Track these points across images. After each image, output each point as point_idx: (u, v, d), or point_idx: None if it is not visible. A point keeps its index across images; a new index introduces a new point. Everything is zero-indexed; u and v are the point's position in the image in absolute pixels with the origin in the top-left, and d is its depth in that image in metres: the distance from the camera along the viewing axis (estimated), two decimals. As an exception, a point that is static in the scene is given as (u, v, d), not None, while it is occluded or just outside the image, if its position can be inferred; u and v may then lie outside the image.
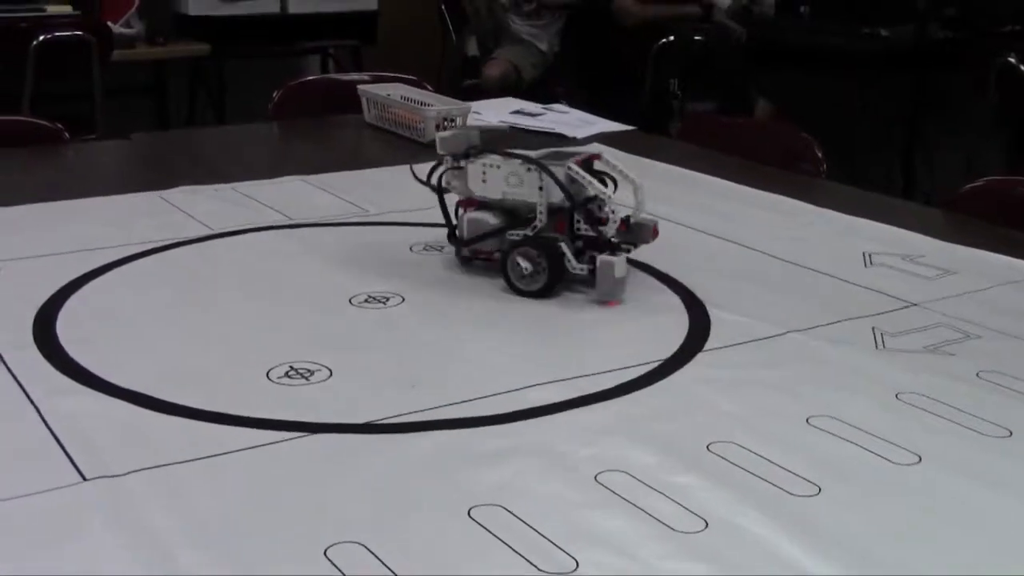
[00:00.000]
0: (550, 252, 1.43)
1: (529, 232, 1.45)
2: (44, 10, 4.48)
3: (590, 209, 1.47)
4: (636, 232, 1.49)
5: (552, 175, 1.43)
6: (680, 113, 4.46)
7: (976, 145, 4.11)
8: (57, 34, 4.15)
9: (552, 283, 1.43)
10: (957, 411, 1.17)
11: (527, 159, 1.47)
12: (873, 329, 1.39)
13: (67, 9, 4.53)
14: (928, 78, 4.54)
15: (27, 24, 4.20)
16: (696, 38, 4.53)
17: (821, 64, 4.67)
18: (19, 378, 1.18)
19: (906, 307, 1.48)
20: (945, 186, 2.12)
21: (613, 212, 1.44)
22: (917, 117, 4.44)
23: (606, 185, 1.49)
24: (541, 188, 1.44)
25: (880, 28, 4.54)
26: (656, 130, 4.32)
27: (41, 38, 4.10)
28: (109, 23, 4.48)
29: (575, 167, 1.45)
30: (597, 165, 1.52)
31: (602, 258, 1.42)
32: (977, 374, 1.27)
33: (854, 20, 4.68)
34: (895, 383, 1.23)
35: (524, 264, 1.43)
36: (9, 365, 1.21)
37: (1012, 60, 3.84)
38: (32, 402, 1.13)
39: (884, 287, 1.54)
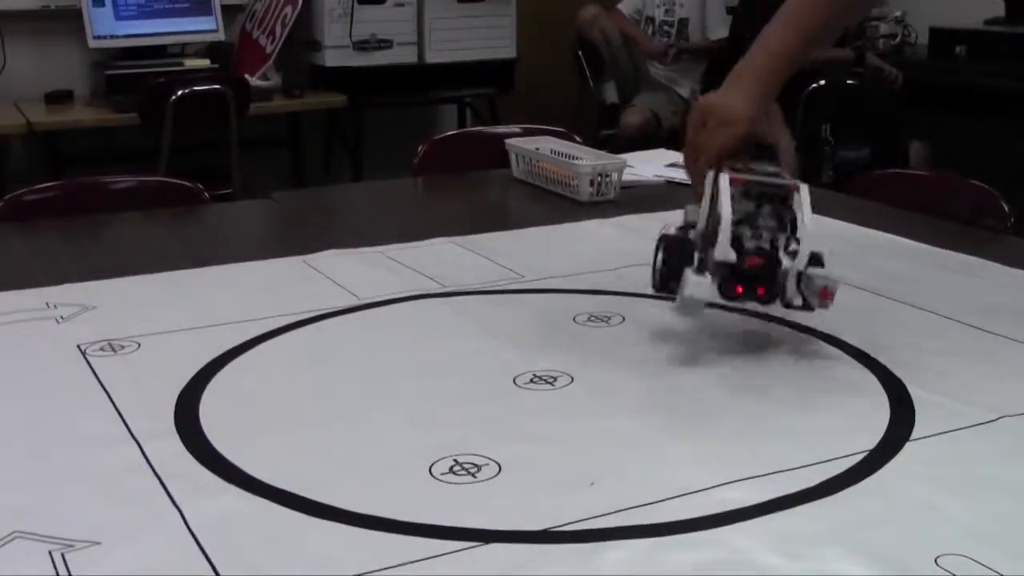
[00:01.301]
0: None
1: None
2: (182, 64, 4.52)
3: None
4: (806, 288, 1.34)
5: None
6: (832, 159, 4.29)
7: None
8: (195, 88, 4.16)
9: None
10: None
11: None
12: (1099, 413, 1.24)
13: (205, 63, 4.57)
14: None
15: (165, 79, 4.22)
16: (849, 82, 4.37)
17: (979, 106, 4.49)
18: (160, 474, 1.09)
19: None
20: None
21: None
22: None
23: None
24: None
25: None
26: (808, 176, 4.18)
27: (179, 93, 4.11)
28: (246, 76, 4.49)
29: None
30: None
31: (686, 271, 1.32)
32: None
33: (1013, 60, 4.49)
34: None
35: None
36: (149, 458, 1.12)
37: None
38: (174, 503, 1.03)
39: (1097, 360, 1.38)
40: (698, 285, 1.33)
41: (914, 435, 1.18)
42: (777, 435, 1.18)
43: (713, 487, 1.05)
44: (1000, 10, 4.86)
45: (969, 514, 1.02)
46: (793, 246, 1.35)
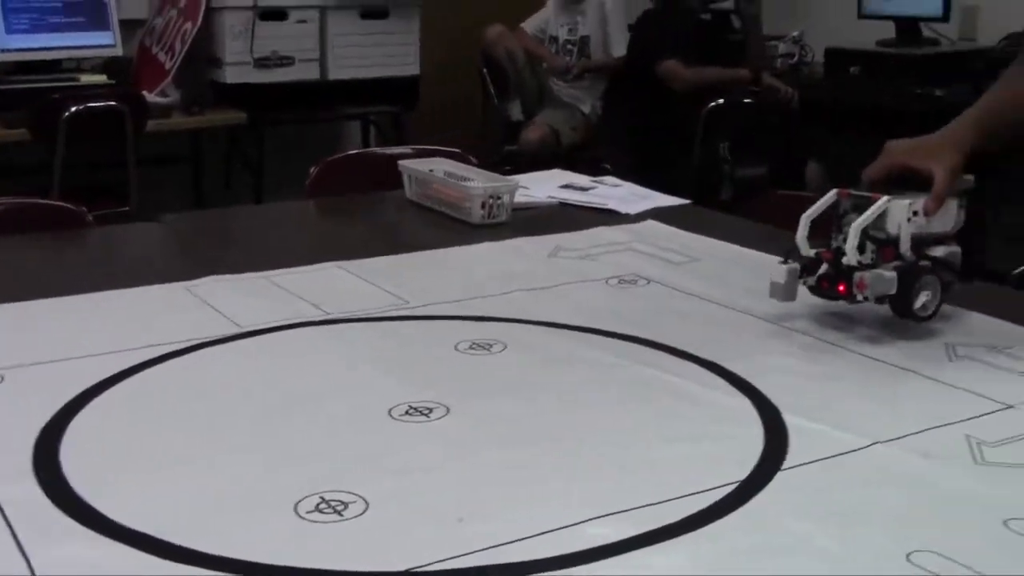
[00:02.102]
0: None
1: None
2: (77, 79, 4.45)
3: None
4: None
5: None
6: (731, 178, 4.34)
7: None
8: (90, 104, 4.10)
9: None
10: (1079, 544, 1.03)
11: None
12: (968, 437, 1.25)
13: (102, 78, 4.51)
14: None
15: (59, 95, 4.15)
16: (746, 101, 4.42)
17: (873, 125, 4.56)
18: (9, 518, 1.04)
19: (1001, 409, 1.33)
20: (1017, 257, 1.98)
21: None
22: (977, 179, 4.30)
23: None
24: None
25: (934, 88, 4.43)
26: (707, 195, 4.23)
27: (73, 109, 4.05)
28: (144, 92, 4.43)
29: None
30: None
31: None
32: (1094, 494, 1.13)
33: (904, 80, 4.58)
34: (1001, 508, 1.09)
35: None
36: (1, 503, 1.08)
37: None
38: (21, 549, 0.99)
39: (973, 385, 1.39)
40: (778, 272, 1.57)
41: (786, 464, 1.18)
42: (649, 467, 1.18)
43: (581, 523, 1.04)
44: (892, 32, 4.95)
45: (838, 545, 1.03)
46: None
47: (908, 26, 4.91)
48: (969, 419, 1.30)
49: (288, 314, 1.63)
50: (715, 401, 1.35)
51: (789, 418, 1.29)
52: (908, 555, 1.00)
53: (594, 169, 4.74)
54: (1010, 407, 1.34)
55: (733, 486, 1.12)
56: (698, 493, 1.10)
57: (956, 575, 0.97)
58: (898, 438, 1.24)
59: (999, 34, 4.57)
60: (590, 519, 1.05)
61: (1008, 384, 1.40)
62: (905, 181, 1.59)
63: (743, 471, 1.16)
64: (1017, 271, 1.96)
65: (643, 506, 1.08)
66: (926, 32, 4.93)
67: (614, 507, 1.07)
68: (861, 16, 5.08)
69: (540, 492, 1.12)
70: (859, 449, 1.21)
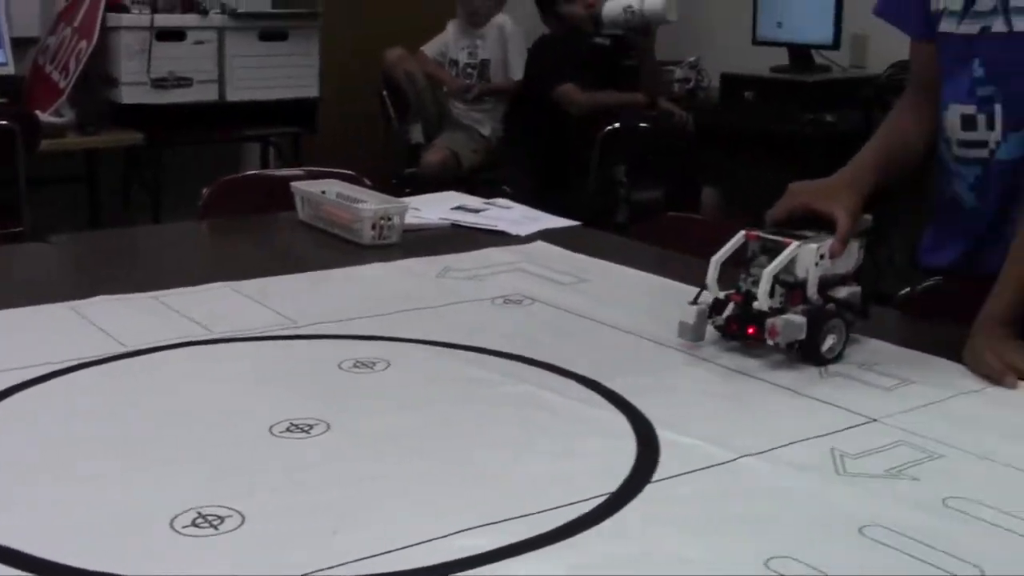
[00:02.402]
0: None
1: None
2: (-34, 99, 4.40)
3: None
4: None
5: None
6: (627, 201, 4.40)
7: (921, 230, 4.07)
8: (-22, 124, 4.05)
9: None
10: (924, 546, 1.08)
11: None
12: (832, 450, 1.30)
13: (-8, 97, 4.45)
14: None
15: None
16: (642, 125, 4.49)
17: (766, 150, 4.66)
18: None
19: (865, 423, 1.39)
20: (896, 280, 2.05)
21: None
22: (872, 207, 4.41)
23: None
24: None
25: (825, 114, 4.55)
26: (603, 218, 4.29)
27: (-39, 128, 4.00)
28: (37, 112, 4.39)
29: None
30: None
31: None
32: (944, 501, 1.18)
33: (796, 106, 4.68)
34: (858, 515, 1.14)
35: None
36: None
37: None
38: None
39: (841, 400, 1.45)
40: (687, 313, 1.60)
41: (656, 477, 1.22)
42: (523, 480, 1.21)
43: (454, 533, 1.07)
44: (786, 58, 5.06)
45: (700, 553, 1.07)
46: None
47: (801, 53, 5.03)
48: (834, 432, 1.35)
49: (174, 334, 1.64)
50: (591, 416, 1.38)
51: (662, 432, 1.33)
52: (766, 561, 1.05)
53: (494, 192, 4.80)
54: (874, 420, 1.39)
55: (603, 498, 1.16)
56: (570, 505, 1.14)
57: (810, 580, 1.02)
58: (766, 451, 1.29)
59: (887, 62, 4.70)
60: (463, 530, 1.08)
61: (874, 399, 1.46)
62: (807, 220, 1.65)
63: (614, 483, 1.19)
64: (903, 292, 2.02)
65: (516, 517, 1.11)
66: (818, 59, 5.05)
67: (487, 519, 1.10)
68: (756, 43, 5.19)
69: (415, 505, 1.15)
70: (728, 462, 1.26)
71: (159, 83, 4.77)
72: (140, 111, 4.77)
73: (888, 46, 4.89)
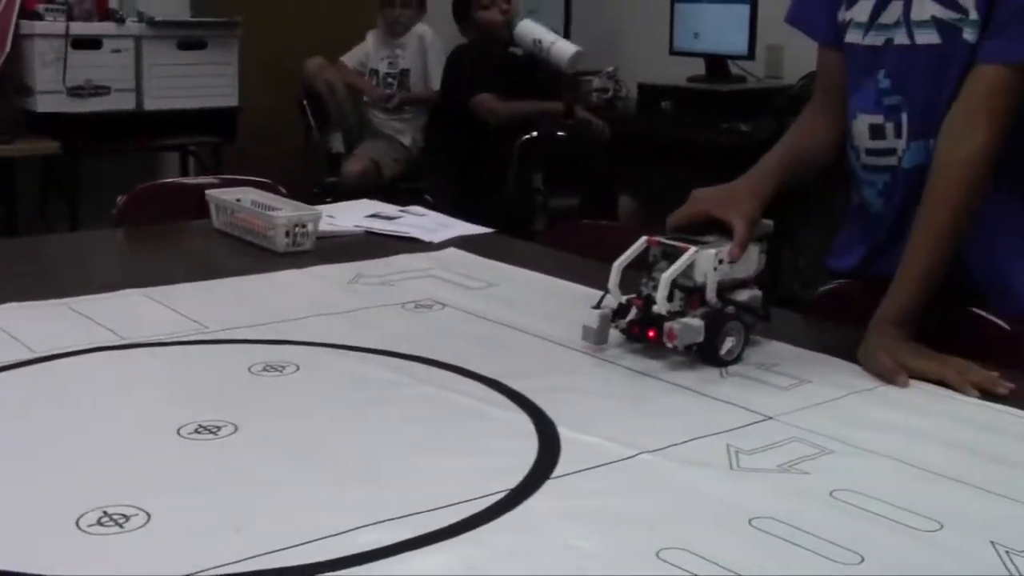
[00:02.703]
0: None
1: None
2: None
3: None
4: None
5: None
6: (544, 209, 4.45)
7: (829, 239, 4.16)
8: None
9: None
10: (809, 536, 1.13)
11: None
12: (728, 447, 1.34)
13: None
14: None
15: None
16: (559, 134, 4.54)
17: (683, 159, 4.73)
18: None
19: (761, 420, 1.44)
20: (805, 283, 2.11)
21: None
22: (776, 210, 4.49)
23: None
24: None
25: (740, 123, 4.62)
26: (521, 225, 4.33)
27: None
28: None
29: None
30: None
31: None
32: (831, 493, 1.23)
33: (712, 115, 4.76)
34: (748, 508, 1.18)
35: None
36: None
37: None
38: None
39: (739, 399, 1.50)
40: (590, 317, 1.65)
41: (555, 473, 1.26)
42: (425, 478, 1.24)
43: (355, 529, 1.10)
44: (702, 68, 5.14)
45: (595, 545, 1.10)
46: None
47: (717, 63, 5.11)
48: (731, 430, 1.40)
49: (85, 339, 1.65)
50: (495, 416, 1.42)
51: (564, 431, 1.36)
52: (658, 552, 1.09)
53: (416, 201, 4.82)
54: (769, 418, 1.44)
55: (503, 494, 1.19)
56: (470, 500, 1.17)
57: (697, 570, 1.06)
58: (664, 448, 1.33)
59: (801, 72, 4.78)
60: (365, 525, 1.11)
61: (771, 398, 1.51)
62: (711, 224, 1.70)
63: (514, 480, 1.23)
64: (807, 295, 2.08)
65: (417, 513, 1.14)
66: (734, 69, 5.14)
67: (389, 514, 1.13)
68: (672, 53, 5.27)
69: (318, 502, 1.17)
70: (626, 458, 1.30)
71: (75, 91, 4.74)
72: (56, 120, 4.74)
73: (802, 56, 4.97)
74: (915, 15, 1.77)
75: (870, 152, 1.88)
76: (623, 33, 5.84)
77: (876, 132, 1.86)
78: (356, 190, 5.08)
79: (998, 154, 1.70)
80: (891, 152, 1.85)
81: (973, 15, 1.70)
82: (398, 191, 5.20)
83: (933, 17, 1.75)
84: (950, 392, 1.55)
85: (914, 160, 1.82)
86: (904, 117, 1.82)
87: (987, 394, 1.55)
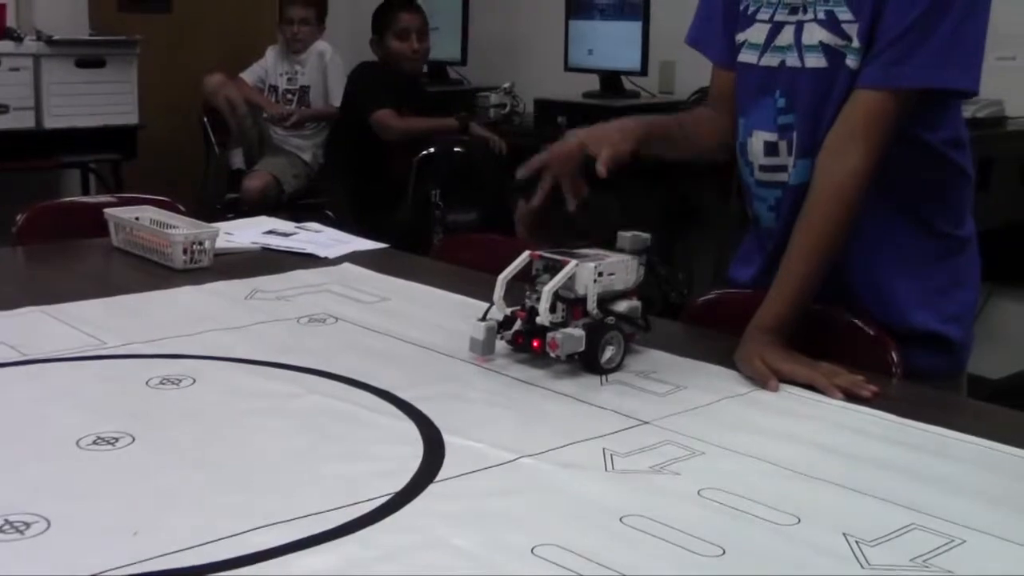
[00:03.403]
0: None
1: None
2: None
3: None
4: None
5: None
6: (443, 223, 4.52)
7: (724, 248, 4.29)
8: None
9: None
10: (676, 531, 1.21)
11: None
12: (604, 450, 1.43)
13: None
14: (681, 188, 4.73)
15: None
16: (456, 149, 4.62)
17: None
18: None
19: (637, 425, 1.52)
20: (698, 293, 2.21)
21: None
22: (671, 224, 4.61)
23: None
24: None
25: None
26: (419, 240, 4.40)
27: None
28: None
29: None
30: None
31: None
32: (698, 492, 1.32)
33: (609, 131, 4.84)
34: (620, 507, 1.26)
35: None
36: None
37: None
38: None
39: (617, 406, 1.58)
40: (476, 329, 1.73)
41: (439, 477, 1.33)
42: (314, 483, 1.30)
43: (247, 531, 1.16)
44: (597, 84, 5.25)
45: (473, 544, 1.17)
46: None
47: (611, 79, 5.22)
48: (608, 434, 1.48)
49: (-16, 356, 1.69)
50: (383, 424, 1.49)
51: (448, 438, 1.44)
52: (533, 548, 1.16)
53: (316, 216, 4.87)
54: (645, 423, 1.53)
55: (388, 496, 1.26)
56: (357, 503, 1.24)
57: (569, 565, 1.13)
58: (543, 452, 1.41)
59: (693, 87, 4.90)
60: (255, 528, 1.17)
61: (648, 404, 1.60)
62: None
63: (399, 484, 1.30)
64: (694, 303, 2.18)
65: (305, 516, 1.20)
66: (628, 85, 5.24)
67: (279, 517, 1.20)
68: (567, 69, 5.37)
69: (212, 507, 1.23)
70: (507, 462, 1.37)
71: (-26, 110, 4.74)
72: (-46, 138, 4.73)
73: (693, 73, 5.10)
74: (805, 39, 1.87)
75: (763, 168, 1.97)
76: (519, 50, 5.94)
77: (770, 149, 1.95)
78: (257, 206, 5.12)
79: (874, 174, 1.79)
80: (783, 169, 1.94)
81: (856, 43, 1.80)
82: (298, 207, 5.25)
83: (820, 42, 1.85)
84: (819, 396, 1.65)
85: (799, 177, 1.90)
86: (795, 136, 1.91)
87: (853, 397, 1.66)
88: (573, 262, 1.71)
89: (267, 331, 1.88)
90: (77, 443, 1.38)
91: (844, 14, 1.82)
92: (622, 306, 1.77)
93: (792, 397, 1.65)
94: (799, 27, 1.88)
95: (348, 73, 5.35)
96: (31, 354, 1.72)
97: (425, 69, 5.29)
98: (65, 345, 1.76)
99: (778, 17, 1.91)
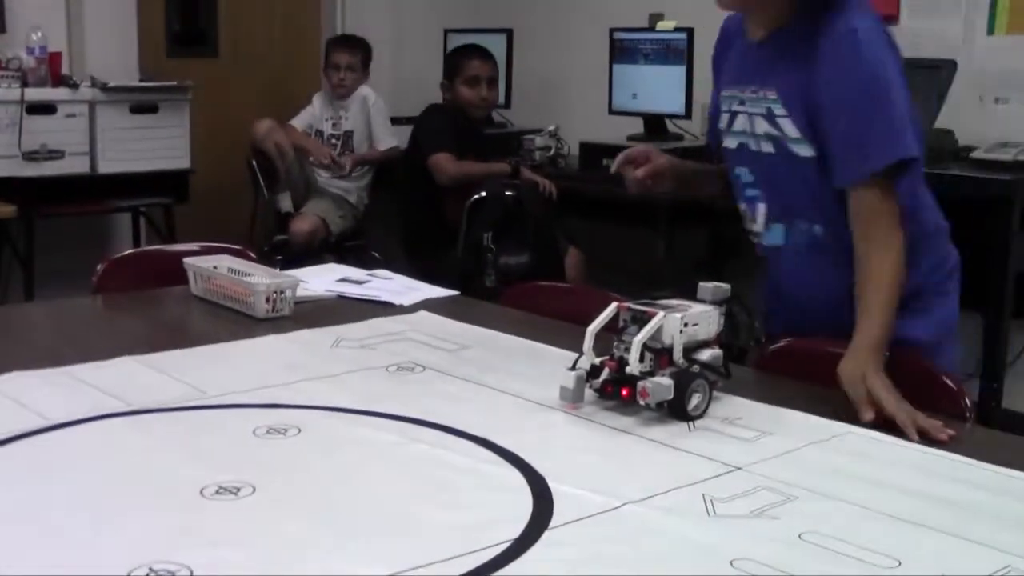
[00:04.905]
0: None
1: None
2: None
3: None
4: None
5: None
6: (495, 266, 4.58)
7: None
8: None
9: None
10: (785, 574, 1.26)
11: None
12: (703, 496, 1.48)
13: None
14: (723, 226, 4.77)
15: None
16: (508, 193, 4.68)
17: (624, 214, 4.87)
18: None
19: (731, 471, 1.57)
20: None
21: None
22: (717, 263, 4.65)
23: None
24: None
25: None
26: (472, 282, 4.46)
27: None
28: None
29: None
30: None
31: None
32: (799, 536, 1.37)
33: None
34: (728, 551, 1.32)
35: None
36: None
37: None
38: None
39: (709, 452, 1.63)
40: (567, 378, 1.78)
41: (552, 524, 1.38)
42: (431, 531, 1.36)
43: (381, 577, 1.22)
44: (640, 127, 5.31)
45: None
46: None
47: (655, 122, 5.27)
48: (704, 480, 1.53)
49: (92, 407, 1.75)
50: (488, 472, 1.54)
51: (554, 485, 1.49)
52: (654, 593, 1.22)
53: (363, 257, 4.93)
54: (739, 469, 1.58)
55: (507, 543, 1.32)
56: (480, 550, 1.29)
57: (691, 607, 1.19)
58: (646, 498, 1.46)
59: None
60: (394, 574, 1.22)
61: (738, 450, 1.65)
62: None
63: (516, 531, 1.35)
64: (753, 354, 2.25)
65: (430, 563, 1.26)
66: (672, 128, 5.30)
67: (409, 564, 1.25)
68: (612, 112, 5.43)
69: (344, 555, 1.28)
70: (613, 509, 1.43)
71: (31, 156, 4.81)
72: (11, 183, 4.80)
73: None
74: (756, 129, 2.14)
75: (746, 232, 2.27)
76: (563, 94, 6.01)
77: (743, 218, 2.25)
78: (305, 248, 5.20)
79: (905, 239, 1.98)
80: (757, 234, 2.23)
81: (795, 134, 2.06)
82: (344, 249, 5.32)
83: (766, 133, 2.11)
84: (896, 440, 1.71)
85: (772, 240, 2.21)
86: (762, 207, 2.19)
87: (926, 438, 1.73)
88: (661, 314, 1.76)
89: (358, 380, 1.94)
90: (201, 492, 1.44)
91: (779, 110, 2.07)
92: (705, 355, 1.82)
93: (872, 442, 1.71)
94: (750, 117, 2.15)
95: (395, 114, 5.43)
96: (135, 404, 1.77)
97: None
98: (166, 395, 1.82)
99: (735, 108, 2.19)
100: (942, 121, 4.30)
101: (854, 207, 2.00)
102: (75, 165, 4.96)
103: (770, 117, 2.08)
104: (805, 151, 2.05)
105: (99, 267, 2.69)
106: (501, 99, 5.62)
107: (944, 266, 2.18)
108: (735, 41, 2.23)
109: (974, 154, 4.16)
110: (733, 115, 2.18)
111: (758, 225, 2.20)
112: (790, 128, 2.06)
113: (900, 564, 1.30)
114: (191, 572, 1.22)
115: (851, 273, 1.99)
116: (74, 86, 4.96)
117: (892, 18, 4.80)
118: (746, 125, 2.15)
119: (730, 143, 2.20)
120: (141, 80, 5.36)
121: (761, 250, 2.25)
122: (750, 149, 2.15)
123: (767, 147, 2.11)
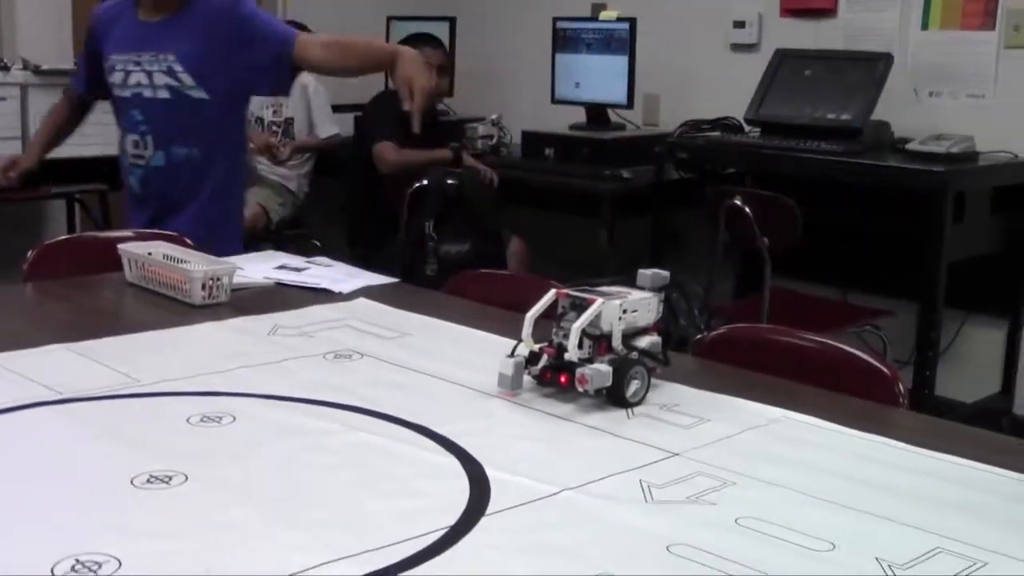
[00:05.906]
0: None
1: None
2: None
3: None
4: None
5: None
6: (436, 254, 4.56)
7: (710, 277, 4.36)
8: None
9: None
10: (721, 559, 1.26)
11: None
12: (641, 482, 1.47)
13: None
14: (665, 216, 4.80)
15: None
16: (449, 181, 4.66)
17: (567, 203, 4.88)
18: None
19: (668, 457, 1.57)
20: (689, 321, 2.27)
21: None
22: (657, 253, 4.68)
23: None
24: None
25: (621, 170, 4.79)
26: (414, 270, 4.44)
27: None
28: None
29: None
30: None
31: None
32: (736, 520, 1.37)
33: (596, 163, 4.92)
34: (665, 536, 1.31)
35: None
36: None
37: (737, 202, 4.14)
38: None
39: (647, 438, 1.63)
40: (505, 365, 1.78)
41: (489, 511, 1.37)
42: (370, 517, 1.34)
43: (317, 566, 1.20)
44: (583, 116, 5.31)
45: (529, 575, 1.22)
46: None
47: (597, 111, 5.28)
48: (642, 466, 1.53)
49: (22, 396, 1.72)
50: (425, 459, 1.53)
51: (491, 472, 1.48)
52: (589, 579, 1.21)
53: (304, 246, 4.90)
54: (676, 455, 1.58)
55: (444, 530, 1.30)
56: (416, 537, 1.28)
57: (626, 592, 1.18)
58: (583, 484, 1.45)
59: (678, 120, 4.98)
60: (327, 562, 1.21)
61: (675, 436, 1.65)
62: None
63: (452, 518, 1.34)
64: (696, 338, 2.24)
65: (368, 551, 1.24)
66: (614, 117, 5.31)
67: (344, 552, 1.23)
68: (554, 102, 5.43)
69: (277, 543, 1.27)
70: (551, 495, 1.42)
71: (-40, 140, 4.73)
72: (-61, 169, 4.71)
73: (679, 106, 5.21)
74: (156, 82, 3.08)
75: (133, 156, 3.18)
76: (506, 82, 6.01)
77: (133, 147, 3.16)
78: (246, 235, 5.15)
79: None
80: (143, 158, 3.15)
81: (190, 83, 3.06)
82: (286, 237, 5.28)
83: (166, 84, 3.06)
84: (832, 427, 1.72)
85: (157, 162, 3.13)
86: (151, 138, 3.12)
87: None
88: (599, 300, 1.76)
89: (296, 367, 1.92)
90: (131, 482, 1.41)
91: (178, 67, 3.05)
92: (644, 342, 1.82)
93: (808, 428, 1.71)
94: (148, 74, 3.07)
95: (339, 101, 5.40)
96: (67, 393, 1.74)
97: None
98: (98, 383, 1.79)
99: (130, 68, 3.11)
100: (879, 113, 4.36)
101: (305, 47, 3.13)
102: (7, 150, 4.86)
103: (171, 73, 3.05)
104: (199, 94, 3.05)
105: (30, 253, 2.65)
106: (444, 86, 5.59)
107: None
108: (121, 19, 3.14)
109: (909, 146, 4.23)
110: (127, 73, 3.11)
111: (148, 151, 3.12)
112: (188, 79, 3.04)
113: (835, 547, 1.31)
114: (120, 563, 1.20)
115: (218, 181, 3.14)
116: (5, 68, 4.88)
117: (830, 11, 4.85)
118: (142, 79, 3.08)
119: (124, 93, 3.14)
120: (75, 63, 5.27)
121: (144, 171, 3.15)
122: (144, 96, 3.09)
123: (163, 94, 3.07)
